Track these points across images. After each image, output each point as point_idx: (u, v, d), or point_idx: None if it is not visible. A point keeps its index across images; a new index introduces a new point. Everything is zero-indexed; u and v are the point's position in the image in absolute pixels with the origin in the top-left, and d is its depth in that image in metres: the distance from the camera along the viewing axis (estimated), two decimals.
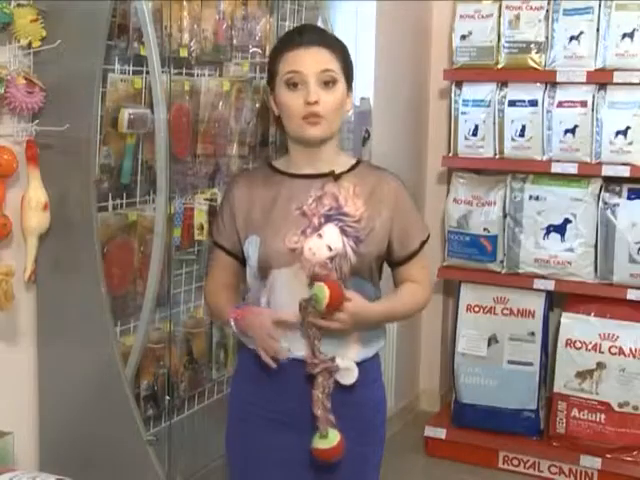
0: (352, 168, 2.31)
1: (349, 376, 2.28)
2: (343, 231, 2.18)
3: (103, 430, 2.65)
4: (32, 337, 2.75)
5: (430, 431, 4.58)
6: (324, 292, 2.12)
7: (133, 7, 2.58)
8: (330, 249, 2.17)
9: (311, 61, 2.19)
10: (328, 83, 2.19)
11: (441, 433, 4.55)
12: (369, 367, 2.33)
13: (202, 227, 2.94)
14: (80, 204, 2.57)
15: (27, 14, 2.48)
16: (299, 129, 2.21)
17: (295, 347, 2.23)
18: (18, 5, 2.49)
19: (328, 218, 2.20)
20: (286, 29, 3.26)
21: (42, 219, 2.57)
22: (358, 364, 2.27)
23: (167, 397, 2.87)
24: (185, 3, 2.83)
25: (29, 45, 2.51)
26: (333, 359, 2.25)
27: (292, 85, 2.19)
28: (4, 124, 2.56)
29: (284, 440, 2.28)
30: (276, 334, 2.20)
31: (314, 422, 2.22)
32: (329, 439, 2.25)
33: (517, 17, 4.34)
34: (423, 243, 2.36)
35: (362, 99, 4.10)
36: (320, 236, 2.18)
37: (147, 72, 2.64)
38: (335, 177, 2.25)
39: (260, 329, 2.21)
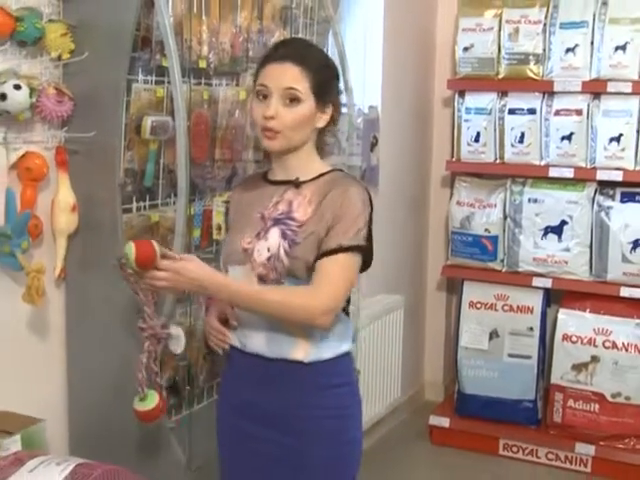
0: (319, 176, 2.21)
1: (177, 344, 2.27)
2: (283, 234, 2.15)
3: (128, 418, 2.63)
4: (61, 331, 2.76)
5: (435, 420, 4.58)
6: (131, 250, 2.05)
7: (156, 21, 2.58)
8: (268, 251, 2.16)
9: (278, 77, 2.13)
10: (291, 100, 2.12)
11: (445, 422, 4.55)
12: (323, 370, 2.21)
13: (220, 228, 2.93)
14: (106, 206, 2.58)
15: (57, 29, 2.50)
16: (260, 139, 2.19)
17: (250, 341, 2.23)
18: (49, 21, 2.51)
19: (276, 222, 2.18)
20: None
21: (71, 220, 2.59)
22: (308, 365, 2.18)
23: (187, 387, 2.86)
24: (204, 18, 2.83)
25: (59, 57, 2.53)
26: (163, 326, 2.21)
27: (262, 97, 2.15)
28: (36, 131, 2.57)
29: (249, 429, 2.25)
30: (220, 329, 2.32)
31: (272, 414, 2.20)
32: (147, 401, 2.23)
33: (516, 30, 4.33)
34: (343, 249, 2.12)
35: (370, 107, 4.10)
36: (266, 239, 2.17)
37: (168, 82, 2.63)
38: (297, 185, 2.20)
39: (206, 324, 2.38)
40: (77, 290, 2.74)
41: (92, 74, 2.55)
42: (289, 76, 2.13)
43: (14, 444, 2.29)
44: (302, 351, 2.18)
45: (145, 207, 2.79)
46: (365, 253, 2.18)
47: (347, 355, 2.27)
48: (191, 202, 2.75)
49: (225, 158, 3.00)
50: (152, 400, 2.23)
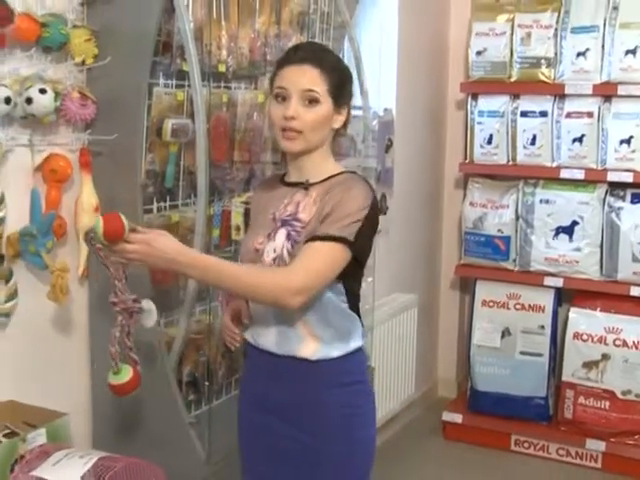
0: (329, 178, 2.19)
1: (149, 318, 2.23)
2: (288, 235, 2.15)
3: (149, 412, 2.67)
4: (85, 327, 2.78)
5: (448, 416, 4.58)
6: (99, 223, 2.03)
7: (176, 27, 2.59)
8: (274, 252, 2.16)
9: (297, 79, 2.13)
10: (310, 102, 2.12)
11: (458, 418, 4.55)
12: (332, 368, 2.19)
13: (238, 228, 2.94)
14: (128, 206, 2.57)
15: (81, 34, 2.51)
16: (279, 140, 2.18)
17: (261, 338, 2.23)
18: (74, 26, 2.52)
19: (284, 223, 2.18)
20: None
21: (94, 220, 2.60)
22: (316, 363, 2.16)
23: (206, 383, 2.87)
24: (224, 23, 2.84)
25: (83, 62, 2.54)
26: (135, 300, 2.19)
27: (281, 99, 2.14)
28: (60, 134, 2.59)
29: (265, 422, 2.25)
30: (230, 327, 2.38)
31: (287, 410, 2.20)
32: (121, 375, 2.21)
33: (528, 35, 4.33)
34: (329, 238, 2.07)
35: (385, 110, 4.10)
36: (274, 240, 2.17)
37: (189, 86, 2.64)
38: (306, 186, 2.19)
39: (222, 324, 2.43)
40: (99, 288, 2.74)
41: (115, 78, 2.56)
42: (308, 78, 2.13)
43: (39, 437, 2.30)
44: (309, 349, 2.17)
45: (166, 207, 2.80)
46: (355, 250, 2.11)
47: (357, 353, 2.24)
48: (210, 203, 2.75)
49: (244, 160, 3.01)
50: (126, 374, 2.21)
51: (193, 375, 2.90)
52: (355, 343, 2.22)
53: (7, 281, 2.43)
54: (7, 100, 2.32)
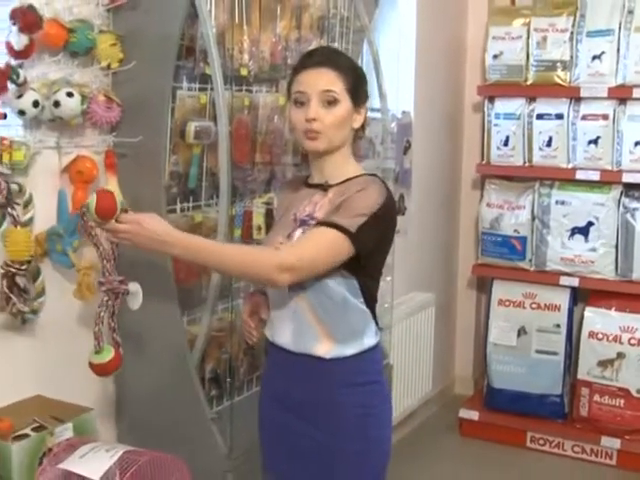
0: (348, 180, 2.18)
1: (135, 300, 2.23)
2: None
3: (172, 407, 2.68)
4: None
5: (464, 413, 4.58)
6: (93, 199, 2.04)
7: (199, 32, 2.59)
8: None
9: (315, 82, 2.14)
10: (329, 103, 2.13)
11: (474, 415, 4.54)
12: (346, 367, 2.18)
13: (260, 228, 2.94)
14: (152, 207, 2.58)
15: (107, 39, 2.53)
16: (302, 142, 2.18)
17: (278, 335, 2.24)
18: (100, 32, 2.53)
19: (302, 223, 2.19)
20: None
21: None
22: (330, 362, 2.16)
23: (228, 380, 2.87)
24: (245, 28, 2.85)
25: (108, 66, 2.56)
26: (122, 281, 2.19)
27: (299, 103, 2.15)
28: (86, 136, 2.61)
29: (284, 420, 2.25)
30: (248, 322, 2.38)
31: (303, 407, 2.19)
32: (103, 355, 2.21)
33: (544, 38, 4.32)
34: (330, 224, 2.07)
35: (403, 112, 4.10)
36: (292, 239, 2.17)
37: (211, 89, 2.66)
38: (325, 188, 2.20)
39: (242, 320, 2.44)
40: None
41: (139, 82, 2.58)
42: (325, 80, 2.14)
43: (66, 431, 2.32)
44: (324, 348, 2.16)
45: (189, 208, 2.80)
46: (357, 244, 2.07)
47: (372, 352, 2.22)
48: (232, 203, 2.76)
49: (265, 161, 3.02)
50: (107, 354, 2.22)
51: (215, 372, 2.90)
52: (369, 341, 2.21)
53: (35, 279, 2.45)
54: (35, 103, 2.34)
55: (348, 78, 2.16)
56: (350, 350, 2.17)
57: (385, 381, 2.32)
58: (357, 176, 2.20)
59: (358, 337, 2.18)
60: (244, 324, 2.43)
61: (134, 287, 2.23)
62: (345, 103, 2.15)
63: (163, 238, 2.03)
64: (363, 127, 2.27)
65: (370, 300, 2.21)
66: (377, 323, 2.25)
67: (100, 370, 2.26)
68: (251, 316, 2.40)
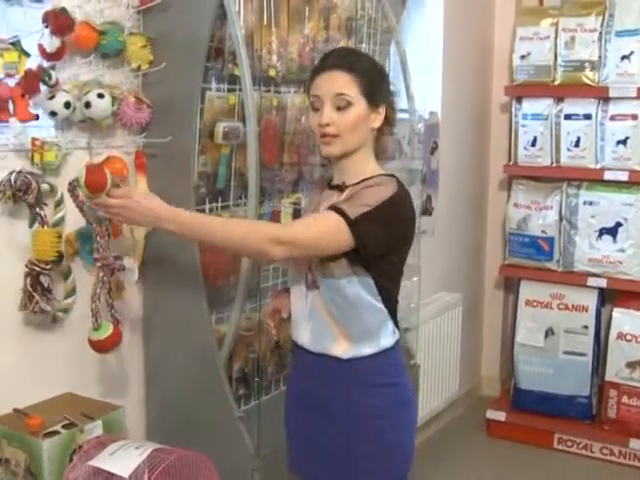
0: (365, 179, 2.14)
1: (130, 276, 2.24)
2: None
3: (200, 406, 2.69)
4: (139, 323, 2.82)
5: (491, 414, 4.55)
6: (82, 173, 2.03)
7: (228, 33, 2.61)
8: None
9: (328, 85, 2.11)
10: (343, 106, 2.09)
11: (501, 416, 4.52)
12: (364, 368, 2.15)
13: None
14: (181, 206, 2.57)
15: (137, 41, 2.56)
16: (319, 146, 2.18)
17: (299, 335, 2.23)
18: (130, 34, 2.56)
19: None
20: (362, 50, 3.28)
21: None
22: (347, 362, 2.14)
23: (256, 379, 2.88)
24: (274, 29, 2.86)
25: (138, 68, 2.58)
26: (117, 257, 2.18)
27: (315, 108, 2.14)
28: (117, 137, 2.63)
29: (309, 419, 2.24)
30: (267, 321, 2.41)
31: (324, 406, 2.17)
32: (101, 331, 2.20)
33: (572, 39, 4.29)
34: (332, 208, 2.05)
35: (431, 113, 4.09)
36: None
37: (240, 90, 2.66)
38: (342, 188, 2.17)
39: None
40: (154, 286, 2.79)
41: (169, 83, 2.60)
42: (339, 83, 2.11)
43: (96, 429, 2.34)
44: (341, 348, 2.14)
45: (217, 208, 2.81)
46: (355, 232, 2.02)
47: (390, 352, 2.18)
48: (260, 203, 2.76)
49: (292, 162, 3.03)
50: (105, 330, 2.22)
51: (243, 371, 2.92)
52: (386, 341, 2.17)
53: (66, 278, 2.48)
54: (67, 105, 2.37)
55: (363, 79, 2.11)
56: (367, 350, 2.14)
57: (407, 382, 2.27)
58: (374, 176, 2.16)
59: (374, 337, 2.15)
60: (265, 323, 2.45)
61: (129, 263, 2.24)
62: (360, 105, 2.11)
63: (158, 214, 2.01)
64: (390, 124, 2.23)
65: (389, 300, 2.17)
66: (396, 324, 2.22)
67: (99, 346, 2.25)
68: (273, 315, 2.41)
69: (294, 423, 2.31)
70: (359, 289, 2.11)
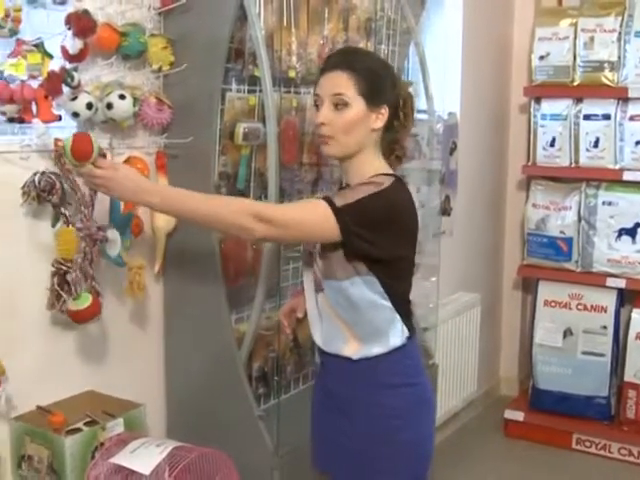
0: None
1: (112, 248, 2.22)
2: None
3: (220, 404, 2.70)
4: (160, 322, 2.83)
5: (509, 414, 4.54)
6: (69, 139, 2.02)
7: (248, 34, 2.62)
8: (312, 254, 2.18)
9: (327, 85, 2.10)
10: (339, 106, 2.07)
11: (519, 416, 4.51)
12: (372, 368, 2.13)
13: None
14: None
15: (158, 43, 2.57)
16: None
17: (314, 335, 2.23)
18: (151, 35, 2.57)
19: None
20: (382, 52, 3.28)
21: (169, 219, 2.64)
22: (357, 362, 2.13)
23: (275, 378, 2.89)
24: (293, 30, 2.86)
25: (159, 69, 2.59)
26: (99, 228, 2.18)
27: (316, 106, 2.14)
28: (138, 137, 2.65)
29: (329, 416, 2.24)
30: (281, 319, 2.44)
31: (343, 405, 2.17)
32: (80, 301, 2.20)
33: (591, 39, 4.27)
34: (329, 200, 2.00)
35: (450, 113, 4.09)
36: None
37: (260, 91, 2.67)
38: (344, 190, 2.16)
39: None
40: (174, 285, 2.80)
41: (189, 84, 2.61)
42: (336, 82, 2.09)
43: (117, 426, 2.36)
44: (351, 348, 2.13)
45: None
46: (339, 220, 1.98)
47: (400, 353, 2.14)
48: (280, 203, 2.77)
49: (312, 162, 3.03)
50: (85, 301, 2.21)
51: (262, 370, 2.92)
52: (395, 341, 2.13)
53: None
54: (89, 105, 2.38)
55: (362, 80, 2.08)
56: (376, 350, 2.12)
57: (426, 383, 2.24)
58: (373, 175, 2.12)
59: (383, 337, 2.13)
60: (280, 322, 2.46)
61: (112, 234, 2.23)
62: (357, 106, 2.08)
63: (142, 187, 2.03)
64: (406, 125, 2.19)
65: (397, 299, 2.13)
66: (410, 323, 2.18)
67: (77, 317, 2.25)
68: (288, 314, 2.43)
69: (317, 421, 2.32)
70: (363, 289, 2.09)
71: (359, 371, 2.15)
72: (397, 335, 2.14)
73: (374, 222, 2.02)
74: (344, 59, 2.13)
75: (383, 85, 2.13)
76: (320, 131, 2.11)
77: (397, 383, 2.15)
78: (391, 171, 2.16)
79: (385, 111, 2.12)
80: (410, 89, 2.26)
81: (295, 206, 2.11)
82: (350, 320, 2.13)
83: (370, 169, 2.13)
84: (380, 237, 2.03)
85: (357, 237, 2.01)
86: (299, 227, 2.04)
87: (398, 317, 2.14)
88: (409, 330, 2.16)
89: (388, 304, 2.11)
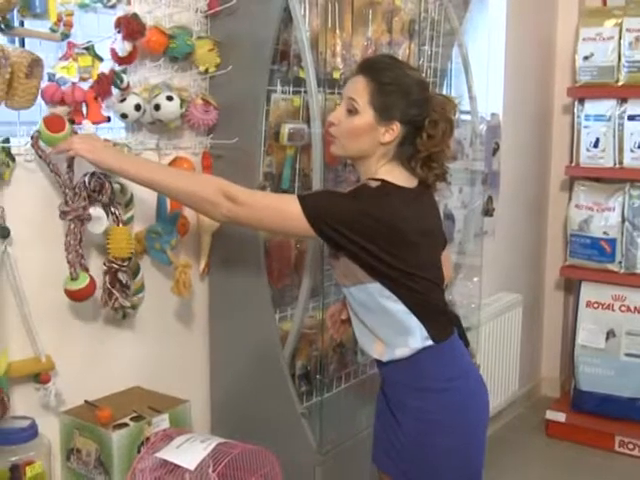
0: None
1: (98, 225, 2.25)
2: None
3: (264, 402, 2.71)
4: (205, 321, 2.85)
5: (551, 414, 4.50)
6: (40, 122, 2.12)
7: (294, 36, 2.62)
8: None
9: (349, 87, 2.11)
10: (351, 111, 2.07)
11: (561, 417, 4.46)
12: (398, 369, 2.13)
13: None
14: None
15: (205, 45, 2.58)
16: None
17: (357, 337, 2.24)
18: (198, 37, 2.59)
19: None
20: (425, 53, 3.27)
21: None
22: (385, 364, 2.14)
23: (318, 376, 2.89)
24: (338, 32, 2.86)
25: (206, 71, 2.61)
26: (84, 207, 2.20)
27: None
28: (185, 138, 2.67)
29: (384, 414, 2.25)
30: (327, 321, 2.47)
31: (388, 402, 2.19)
32: (78, 281, 2.20)
33: (637, 39, 4.22)
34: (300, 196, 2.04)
35: (492, 114, 4.06)
36: None
37: (305, 92, 2.67)
38: None
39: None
40: (219, 284, 2.81)
41: (235, 86, 2.62)
42: (355, 87, 2.09)
43: (163, 422, 2.38)
44: (378, 350, 2.15)
45: None
46: (305, 207, 1.98)
47: (423, 355, 2.09)
48: None
49: None
50: (83, 281, 2.22)
51: (306, 368, 2.92)
52: (415, 343, 2.09)
53: (135, 275, 2.51)
54: (137, 107, 2.41)
55: (377, 91, 2.05)
56: (399, 352, 2.11)
57: (457, 388, 2.14)
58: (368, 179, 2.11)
59: (402, 339, 2.10)
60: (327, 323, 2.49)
61: (96, 212, 2.26)
62: (366, 115, 2.06)
63: (119, 154, 2.15)
64: (429, 148, 2.08)
65: (416, 304, 2.08)
66: (433, 327, 2.10)
67: (74, 295, 2.26)
68: (333, 316, 2.44)
69: (377, 417, 2.33)
70: (371, 295, 2.07)
71: (391, 373, 2.17)
72: (417, 337, 2.09)
73: (342, 214, 1.99)
74: (372, 67, 2.12)
75: (399, 101, 2.07)
76: (328, 129, 2.16)
77: (422, 386, 2.12)
78: (390, 178, 2.08)
79: (397, 127, 2.07)
80: (451, 113, 2.14)
81: (262, 192, 2.22)
82: (369, 323, 2.14)
83: (372, 175, 2.11)
84: (352, 233, 1.99)
85: (325, 225, 1.99)
86: (263, 212, 2.05)
87: (416, 320, 2.09)
88: (438, 333, 2.11)
89: (402, 307, 2.07)
